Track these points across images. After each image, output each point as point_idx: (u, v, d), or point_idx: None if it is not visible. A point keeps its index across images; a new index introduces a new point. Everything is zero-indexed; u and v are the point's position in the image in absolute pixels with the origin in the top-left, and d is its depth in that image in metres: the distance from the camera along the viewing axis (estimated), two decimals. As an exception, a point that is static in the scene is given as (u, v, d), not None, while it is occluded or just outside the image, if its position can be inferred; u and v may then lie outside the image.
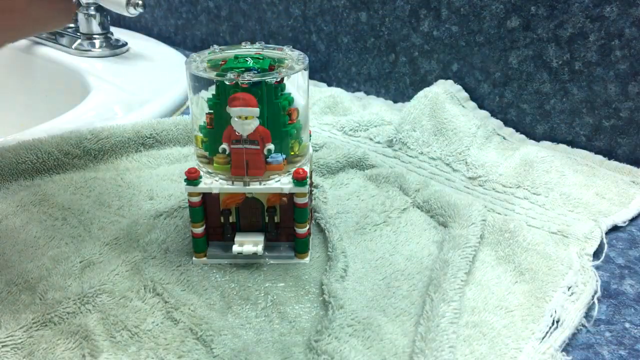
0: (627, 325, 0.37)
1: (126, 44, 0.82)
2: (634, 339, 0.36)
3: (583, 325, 0.36)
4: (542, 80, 0.58)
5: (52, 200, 0.46)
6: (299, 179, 0.37)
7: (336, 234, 0.42)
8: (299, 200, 0.38)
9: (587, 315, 0.37)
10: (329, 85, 0.76)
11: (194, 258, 0.40)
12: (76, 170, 0.51)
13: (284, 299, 0.37)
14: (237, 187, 0.37)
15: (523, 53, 0.59)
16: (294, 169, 0.38)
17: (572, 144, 0.59)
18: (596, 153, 0.57)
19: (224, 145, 0.36)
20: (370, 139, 0.60)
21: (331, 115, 0.65)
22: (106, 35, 0.79)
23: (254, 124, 0.35)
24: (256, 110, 0.35)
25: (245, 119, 0.35)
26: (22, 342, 0.33)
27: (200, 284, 0.38)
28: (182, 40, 0.95)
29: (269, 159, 0.37)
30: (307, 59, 0.38)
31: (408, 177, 0.50)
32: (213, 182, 0.37)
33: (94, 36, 0.78)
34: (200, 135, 0.38)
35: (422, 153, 0.57)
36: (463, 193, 0.51)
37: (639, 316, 0.38)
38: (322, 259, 0.41)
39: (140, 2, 0.71)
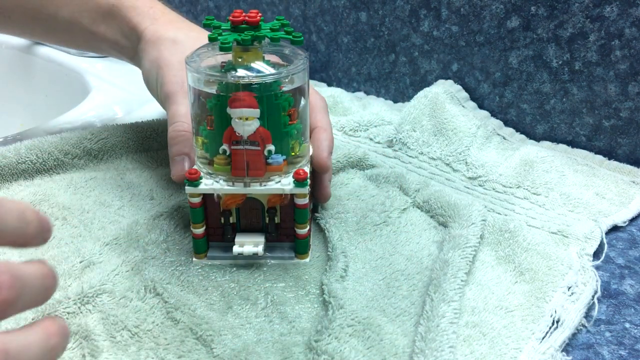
0: (627, 325, 0.37)
1: (126, 44, 0.82)
2: (634, 339, 0.36)
3: (583, 325, 0.36)
4: (542, 80, 0.58)
5: (53, 200, 0.46)
6: (300, 180, 0.37)
7: (336, 234, 0.42)
8: (300, 201, 0.38)
9: (587, 315, 0.37)
10: (329, 85, 0.76)
11: (194, 259, 0.40)
12: (76, 170, 0.51)
13: (284, 299, 0.37)
14: (238, 189, 0.37)
15: (523, 53, 0.59)
16: (294, 170, 0.38)
17: (572, 144, 0.59)
18: (596, 153, 0.57)
19: (224, 146, 0.36)
20: (371, 139, 0.60)
21: (331, 115, 0.65)
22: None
23: (255, 125, 0.35)
24: (257, 111, 0.35)
25: (246, 120, 0.35)
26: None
27: (201, 284, 0.38)
28: (182, 40, 0.95)
29: (269, 160, 0.37)
30: (307, 58, 0.38)
31: (408, 177, 0.50)
32: (214, 184, 0.37)
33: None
34: (200, 136, 0.38)
35: (422, 153, 0.57)
36: (463, 193, 0.51)
37: (639, 316, 0.38)
38: (322, 259, 0.41)
39: (140, 2, 0.71)
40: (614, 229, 0.47)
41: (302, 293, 0.37)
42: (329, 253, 0.41)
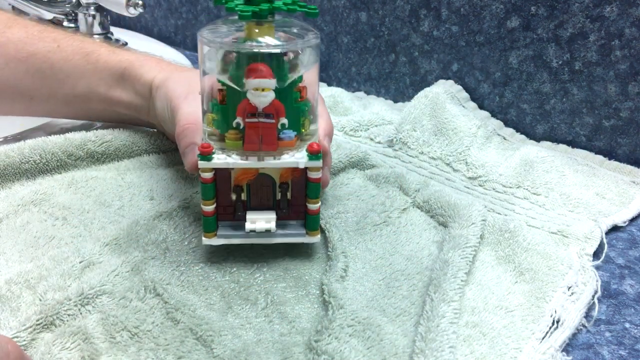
0: (627, 325, 0.37)
1: (126, 44, 0.82)
2: (634, 339, 0.36)
3: (583, 325, 0.36)
4: (542, 80, 0.58)
5: (53, 199, 0.46)
6: (314, 153, 0.36)
7: (336, 234, 0.42)
8: (313, 175, 0.37)
9: (587, 315, 0.37)
10: (329, 85, 0.76)
11: (203, 238, 0.39)
12: (77, 170, 0.51)
13: (284, 299, 0.37)
14: (251, 163, 0.37)
15: (523, 53, 0.59)
16: (308, 144, 0.37)
17: (572, 144, 0.59)
18: (596, 153, 0.57)
19: (239, 119, 0.36)
20: (371, 139, 0.60)
21: (332, 115, 0.65)
22: (106, 35, 0.79)
23: (270, 96, 0.35)
24: (273, 82, 0.35)
25: (262, 91, 0.35)
26: (20, 340, 0.33)
27: (201, 284, 0.38)
28: (182, 40, 0.95)
29: (281, 135, 0.36)
30: (318, 36, 0.38)
31: (408, 177, 0.50)
32: (227, 158, 0.36)
33: (94, 36, 0.78)
34: (210, 113, 0.38)
35: (422, 153, 0.57)
36: (463, 193, 0.51)
37: (639, 316, 0.38)
38: (322, 259, 0.41)
39: (140, 2, 0.71)
40: (614, 229, 0.47)
41: (302, 293, 0.37)
42: (329, 253, 0.41)
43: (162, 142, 0.54)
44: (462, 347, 0.33)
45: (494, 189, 0.51)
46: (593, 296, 0.38)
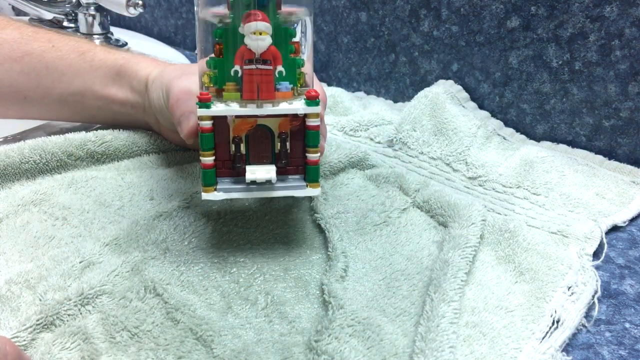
0: (627, 325, 0.37)
1: (126, 44, 0.82)
2: (634, 339, 0.36)
3: (583, 325, 0.36)
4: (542, 80, 0.58)
5: (53, 199, 0.46)
6: (312, 99, 0.36)
7: (336, 234, 0.42)
8: (312, 122, 0.37)
9: (587, 315, 0.37)
10: (329, 85, 0.76)
11: (202, 194, 0.37)
12: (77, 170, 0.51)
13: (284, 299, 0.37)
14: (251, 110, 0.36)
15: (523, 53, 0.59)
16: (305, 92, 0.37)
17: (572, 144, 0.59)
18: (596, 153, 0.57)
19: (237, 67, 0.36)
20: (371, 139, 0.60)
21: (331, 115, 0.66)
22: (106, 35, 0.79)
23: (268, 40, 0.35)
24: (270, 27, 0.35)
25: (260, 35, 0.35)
26: (20, 340, 0.33)
27: (201, 284, 0.38)
28: (182, 40, 0.95)
29: (277, 86, 0.36)
30: None
31: (408, 177, 0.50)
32: (226, 106, 0.36)
33: (94, 36, 0.78)
34: (208, 71, 0.38)
35: (422, 153, 0.57)
36: (463, 193, 0.51)
37: (639, 316, 0.38)
38: (322, 259, 0.41)
39: (140, 2, 0.71)
40: (614, 229, 0.47)
41: (302, 293, 0.37)
42: (329, 253, 0.41)
43: (162, 142, 0.54)
44: (462, 347, 0.33)
45: (493, 189, 0.51)
46: (593, 296, 0.38)
